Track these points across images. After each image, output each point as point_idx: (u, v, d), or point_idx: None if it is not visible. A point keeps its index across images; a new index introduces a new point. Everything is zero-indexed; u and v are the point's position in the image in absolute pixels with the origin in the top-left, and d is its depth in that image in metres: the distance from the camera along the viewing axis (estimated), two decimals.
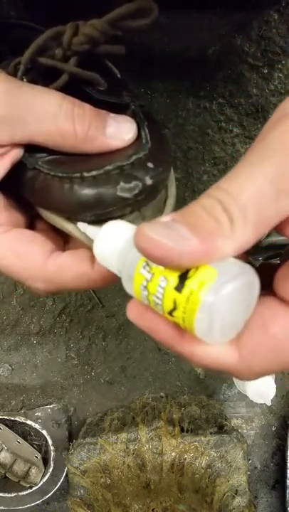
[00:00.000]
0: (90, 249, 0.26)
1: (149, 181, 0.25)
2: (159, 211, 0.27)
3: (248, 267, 0.18)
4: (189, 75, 0.50)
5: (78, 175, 0.25)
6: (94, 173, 0.24)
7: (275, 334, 0.19)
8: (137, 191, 0.24)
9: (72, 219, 0.27)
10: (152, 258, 0.18)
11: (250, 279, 0.18)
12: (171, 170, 0.29)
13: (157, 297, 0.19)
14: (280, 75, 0.50)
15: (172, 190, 0.28)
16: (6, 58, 0.35)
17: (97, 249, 0.24)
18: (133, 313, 0.21)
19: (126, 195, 0.24)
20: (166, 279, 0.18)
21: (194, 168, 0.50)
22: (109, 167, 0.24)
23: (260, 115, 0.50)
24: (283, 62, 0.50)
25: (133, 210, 0.25)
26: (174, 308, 0.18)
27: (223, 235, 0.17)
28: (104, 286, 0.27)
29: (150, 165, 0.25)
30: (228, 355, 0.19)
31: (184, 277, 0.18)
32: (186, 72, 0.50)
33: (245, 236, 0.18)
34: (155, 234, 0.17)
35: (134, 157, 0.25)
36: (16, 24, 0.38)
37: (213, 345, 0.19)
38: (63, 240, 0.29)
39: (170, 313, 0.19)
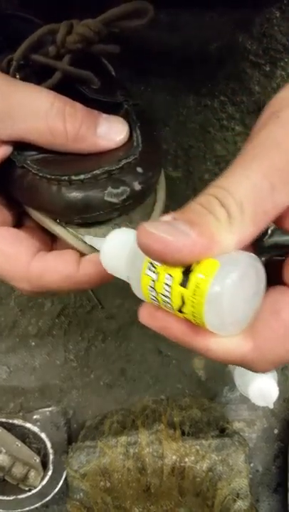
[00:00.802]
0: (76, 250, 0.26)
1: (137, 186, 0.25)
2: (147, 215, 0.27)
3: (251, 255, 0.19)
4: (190, 73, 0.50)
5: (66, 178, 0.25)
6: (82, 176, 0.24)
7: (287, 319, 0.19)
8: (124, 197, 0.24)
9: (60, 220, 0.27)
10: (153, 253, 0.18)
11: (254, 266, 0.19)
12: (162, 173, 0.29)
13: (165, 296, 0.19)
14: (282, 72, 0.50)
15: (161, 194, 0.28)
16: (2, 49, 0.35)
17: (104, 260, 0.24)
18: (144, 316, 0.21)
19: (113, 200, 0.24)
20: (171, 277, 0.19)
21: (195, 166, 0.50)
22: (97, 171, 0.24)
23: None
24: (285, 59, 0.50)
25: (121, 214, 0.26)
26: (183, 304, 0.19)
27: (222, 228, 0.18)
28: (89, 289, 0.28)
29: (139, 170, 0.25)
30: (242, 345, 0.19)
31: (187, 272, 0.18)
32: (187, 70, 0.50)
33: (244, 229, 0.18)
34: (156, 230, 0.18)
35: (123, 161, 0.25)
36: (13, 15, 0.38)
37: (226, 338, 0.19)
38: (51, 238, 0.30)
39: (180, 310, 0.19)
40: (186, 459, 0.51)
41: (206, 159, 0.50)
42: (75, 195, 0.24)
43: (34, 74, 0.28)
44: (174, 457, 0.51)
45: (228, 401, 0.57)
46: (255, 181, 0.18)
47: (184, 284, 0.18)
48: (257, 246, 0.20)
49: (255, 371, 0.21)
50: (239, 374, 0.49)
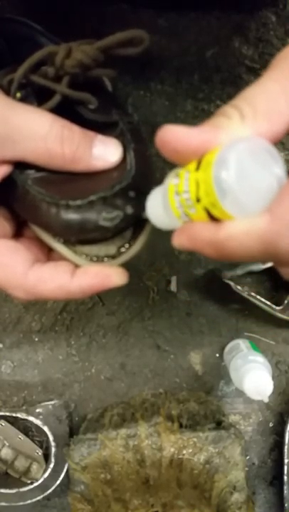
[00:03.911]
0: (71, 262, 0.28)
1: (129, 210, 0.26)
2: (139, 231, 0.29)
3: (260, 138, 0.19)
4: (188, 77, 0.50)
5: (64, 202, 0.26)
6: (79, 202, 0.26)
7: None
8: (117, 221, 0.26)
9: (58, 237, 0.28)
10: (167, 144, 0.20)
11: (265, 146, 0.19)
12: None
13: (185, 191, 0.20)
14: None
15: None
16: (4, 52, 0.36)
17: (151, 216, 0.25)
18: (175, 239, 0.22)
19: (107, 224, 0.26)
20: (188, 171, 0.20)
21: None
22: (93, 197, 0.26)
23: None
24: None
25: (114, 235, 0.27)
26: (198, 188, 0.20)
27: (232, 123, 0.20)
28: (82, 298, 0.29)
29: (132, 194, 0.26)
30: (259, 220, 0.18)
31: (200, 160, 0.20)
32: (184, 75, 0.50)
33: (258, 124, 0.20)
34: (172, 127, 0.20)
35: (117, 187, 0.26)
36: (12, 20, 0.39)
37: (244, 220, 0.19)
38: (48, 248, 0.31)
39: (198, 199, 0.20)
40: (184, 451, 0.51)
41: None
42: (72, 218, 0.26)
43: (34, 92, 0.29)
44: (172, 449, 0.51)
45: (223, 395, 0.57)
46: (266, 86, 0.20)
47: (197, 168, 0.20)
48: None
49: (279, 247, 0.19)
50: (234, 368, 0.50)
